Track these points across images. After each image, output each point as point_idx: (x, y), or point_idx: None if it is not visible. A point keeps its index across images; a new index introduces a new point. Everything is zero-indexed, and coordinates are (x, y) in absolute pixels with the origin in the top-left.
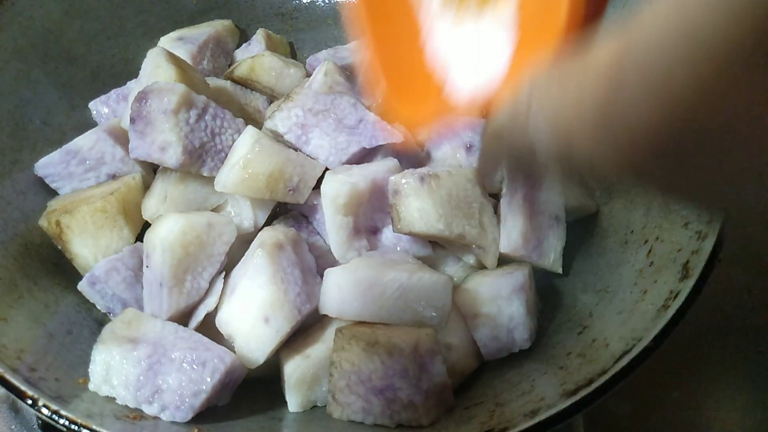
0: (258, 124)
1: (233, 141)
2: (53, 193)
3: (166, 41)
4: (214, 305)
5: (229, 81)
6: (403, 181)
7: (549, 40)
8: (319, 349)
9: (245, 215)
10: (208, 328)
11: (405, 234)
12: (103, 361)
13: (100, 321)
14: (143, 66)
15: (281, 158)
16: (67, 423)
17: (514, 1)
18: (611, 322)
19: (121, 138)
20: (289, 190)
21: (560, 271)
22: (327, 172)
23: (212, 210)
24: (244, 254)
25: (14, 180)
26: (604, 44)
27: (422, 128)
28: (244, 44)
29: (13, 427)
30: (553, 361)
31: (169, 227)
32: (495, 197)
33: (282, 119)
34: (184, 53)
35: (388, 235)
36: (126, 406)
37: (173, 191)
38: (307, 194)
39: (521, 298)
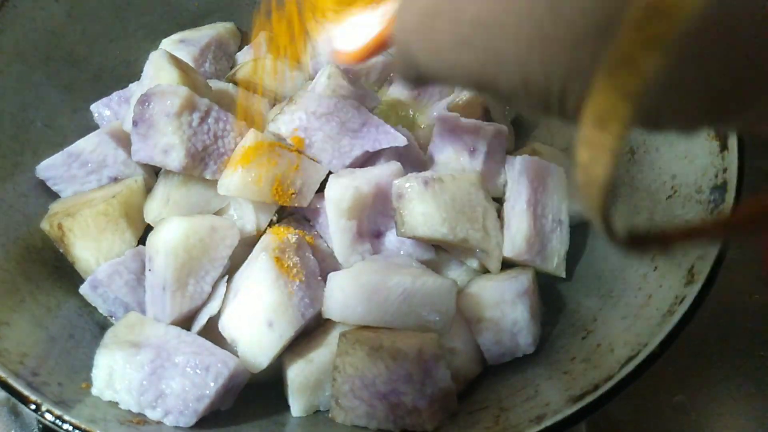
0: (260, 127)
1: (236, 144)
2: (55, 196)
3: (168, 43)
4: (217, 309)
5: (231, 84)
6: (407, 185)
7: None
8: (323, 353)
9: (248, 218)
10: (211, 332)
11: (408, 238)
12: (106, 366)
13: (102, 325)
14: (145, 68)
15: (284, 161)
16: (70, 428)
17: None
18: (616, 327)
19: (123, 140)
20: (292, 193)
21: (564, 275)
22: (330, 176)
23: (215, 213)
24: (247, 257)
25: (16, 183)
26: None
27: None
28: (247, 47)
29: (13, 430)
30: (557, 366)
31: (172, 231)
32: (498, 201)
33: (285, 122)
34: (186, 56)
35: (391, 238)
36: (129, 411)
37: (176, 194)
38: (311, 198)
39: (525, 302)
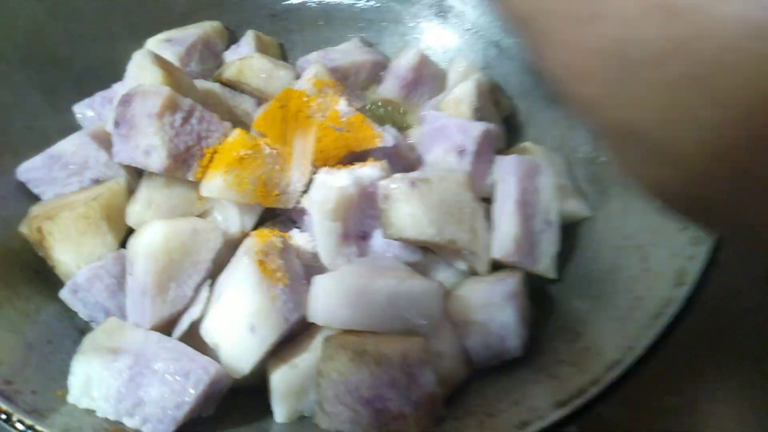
0: (247, 127)
1: (220, 144)
2: (35, 199)
3: (154, 43)
4: (199, 314)
5: (217, 83)
6: (393, 186)
7: None
8: (307, 358)
9: (232, 221)
10: (194, 338)
11: (395, 240)
12: (83, 373)
13: (82, 330)
14: (128, 68)
15: (269, 162)
16: None
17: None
18: (605, 330)
19: (105, 142)
20: (277, 194)
21: (554, 276)
22: (315, 176)
23: (199, 216)
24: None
25: None
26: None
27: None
28: (234, 46)
29: None
30: (545, 369)
31: (153, 234)
32: (488, 201)
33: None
34: (171, 55)
35: (378, 240)
36: (106, 419)
37: (158, 196)
38: (296, 199)
39: (514, 305)
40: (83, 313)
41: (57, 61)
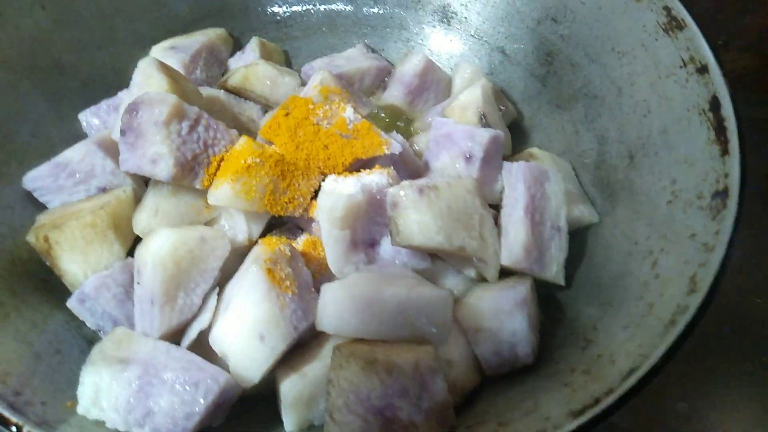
0: (252, 134)
1: (227, 152)
2: (42, 207)
3: (158, 50)
4: (208, 322)
5: (222, 90)
6: (402, 193)
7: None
8: (316, 367)
9: (239, 229)
10: (202, 346)
11: (404, 247)
12: (92, 383)
13: (89, 339)
14: (134, 76)
15: (276, 170)
16: None
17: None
18: (617, 337)
19: (111, 150)
20: (285, 202)
21: (563, 283)
22: (323, 184)
23: (206, 224)
24: (238, 268)
25: (1, 194)
26: None
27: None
28: (238, 53)
29: None
30: (557, 377)
31: (160, 242)
32: (495, 208)
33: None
34: (176, 62)
35: (386, 248)
36: (116, 429)
37: (165, 205)
38: (304, 206)
39: (523, 312)
40: (91, 323)
41: (62, 68)
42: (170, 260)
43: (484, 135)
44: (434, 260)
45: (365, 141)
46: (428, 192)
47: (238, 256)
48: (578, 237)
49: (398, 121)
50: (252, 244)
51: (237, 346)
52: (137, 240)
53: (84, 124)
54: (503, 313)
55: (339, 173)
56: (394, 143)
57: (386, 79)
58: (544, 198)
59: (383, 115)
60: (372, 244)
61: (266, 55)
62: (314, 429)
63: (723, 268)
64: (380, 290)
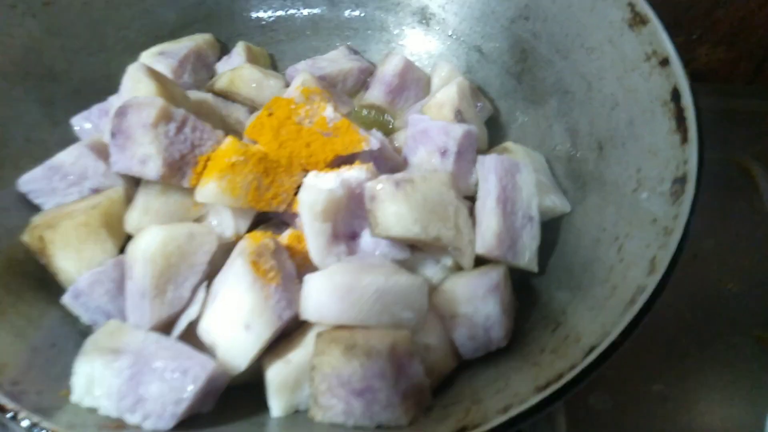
0: (239, 135)
1: (212, 152)
2: (36, 209)
3: (147, 56)
4: (196, 314)
5: (210, 93)
6: (379, 186)
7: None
8: (301, 353)
9: (226, 225)
10: (191, 338)
11: (383, 238)
12: (85, 373)
13: (84, 333)
14: (123, 81)
15: (260, 167)
16: None
17: None
18: (583, 319)
19: (103, 152)
20: (269, 198)
21: (536, 269)
22: (305, 180)
23: (195, 221)
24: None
25: None
26: None
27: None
28: (225, 57)
29: None
30: (528, 358)
31: (150, 239)
32: (471, 200)
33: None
34: (164, 68)
35: (366, 239)
36: (108, 416)
37: (155, 203)
38: (287, 202)
39: (496, 297)
40: (85, 318)
41: (54, 75)
42: (160, 256)
43: (458, 130)
44: (413, 251)
45: (345, 138)
46: (404, 185)
47: (226, 251)
48: (551, 226)
49: (378, 118)
50: (239, 239)
51: (224, 335)
52: (128, 238)
53: (76, 128)
54: (477, 299)
55: (320, 169)
56: (372, 140)
57: (368, 79)
58: (516, 189)
59: (365, 113)
60: (353, 236)
61: (252, 59)
62: (299, 413)
63: (680, 249)
64: (359, 279)
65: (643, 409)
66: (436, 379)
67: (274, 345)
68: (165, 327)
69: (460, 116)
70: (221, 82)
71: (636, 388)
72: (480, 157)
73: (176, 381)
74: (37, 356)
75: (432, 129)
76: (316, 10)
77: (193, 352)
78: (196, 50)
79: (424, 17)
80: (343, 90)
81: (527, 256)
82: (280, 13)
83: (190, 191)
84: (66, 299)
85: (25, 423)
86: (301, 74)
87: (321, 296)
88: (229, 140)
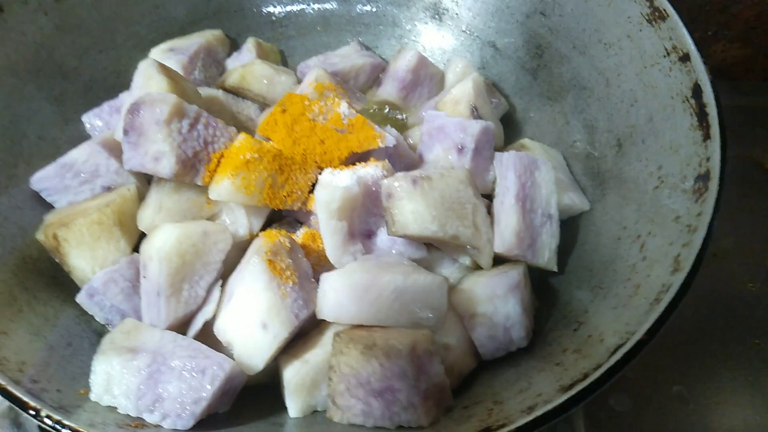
0: (250, 132)
1: (226, 149)
2: (49, 207)
3: (158, 53)
4: (212, 313)
5: (220, 90)
6: (396, 184)
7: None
8: (318, 353)
9: (240, 223)
10: (207, 336)
11: (399, 237)
12: (103, 371)
13: (99, 333)
14: (135, 78)
15: (275, 165)
16: None
17: None
18: (606, 318)
19: (115, 150)
20: (284, 196)
21: (555, 269)
22: (320, 177)
23: (208, 219)
24: (240, 261)
25: (10, 195)
26: None
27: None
28: (235, 53)
29: None
30: (550, 358)
31: (165, 237)
32: (488, 197)
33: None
34: (175, 64)
35: (382, 238)
36: (127, 415)
37: (168, 201)
38: (302, 200)
39: (517, 296)
40: (99, 317)
41: (65, 72)
42: (175, 254)
43: (475, 126)
44: (430, 249)
45: (360, 135)
46: (422, 182)
47: (239, 249)
48: (570, 224)
49: (393, 116)
50: (253, 237)
51: (241, 334)
52: (142, 236)
53: (87, 125)
54: (497, 298)
55: (335, 167)
56: (388, 136)
57: (380, 75)
58: (535, 186)
59: (375, 109)
60: (369, 235)
61: (262, 55)
62: (317, 414)
63: (705, 246)
64: (377, 277)
65: (662, 410)
66: (455, 380)
67: (290, 345)
68: (180, 326)
69: (476, 112)
70: (232, 79)
71: (656, 389)
72: (497, 154)
73: (194, 380)
74: (53, 355)
75: (449, 125)
76: (327, 6)
77: (211, 352)
78: (206, 46)
79: (437, 12)
80: (355, 86)
81: (547, 255)
82: (290, 8)
83: (203, 189)
84: (80, 298)
85: (48, 421)
86: (314, 70)
87: (338, 295)
88: (243, 137)
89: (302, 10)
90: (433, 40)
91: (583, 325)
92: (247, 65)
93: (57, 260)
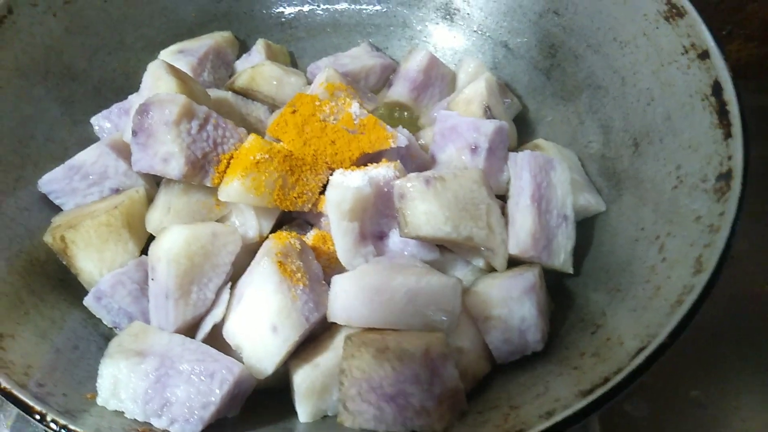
0: (260, 134)
1: (236, 150)
2: (57, 209)
3: (167, 54)
4: (221, 316)
5: (230, 92)
6: (409, 184)
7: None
8: (329, 357)
9: (250, 224)
10: (216, 340)
11: (412, 238)
12: (110, 375)
13: (107, 336)
14: (144, 79)
15: (285, 166)
16: None
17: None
18: (624, 320)
19: (123, 152)
20: (294, 197)
21: (571, 271)
22: (331, 178)
23: (217, 220)
24: (250, 264)
25: (18, 197)
26: None
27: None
28: (245, 55)
29: None
30: (567, 362)
31: (173, 239)
32: (502, 199)
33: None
34: (184, 65)
35: (394, 239)
36: (135, 419)
37: (177, 203)
38: (312, 201)
39: (532, 299)
40: (107, 320)
41: (74, 74)
42: (183, 256)
43: (489, 126)
44: (443, 251)
45: (371, 135)
46: (435, 183)
47: (249, 251)
48: (586, 225)
49: (405, 116)
50: (263, 239)
51: (250, 337)
52: (151, 238)
53: (96, 127)
54: (512, 301)
55: (346, 168)
56: (400, 137)
57: (391, 76)
58: (550, 186)
59: (389, 110)
60: (380, 236)
61: (272, 56)
62: (328, 419)
63: (728, 247)
64: (389, 280)
65: (680, 416)
66: (469, 384)
67: (301, 348)
68: (189, 329)
69: (489, 112)
70: (241, 80)
71: (672, 394)
72: (512, 155)
73: (203, 384)
74: (60, 358)
75: (462, 125)
76: (336, 6)
77: (220, 355)
78: (215, 48)
79: (447, 12)
80: (366, 87)
81: (562, 257)
82: (300, 9)
83: (212, 190)
84: (88, 301)
85: (53, 426)
86: (325, 70)
87: (349, 298)
88: (253, 138)
89: (312, 11)
90: (445, 41)
91: (600, 328)
92: (256, 67)
93: (64, 263)
